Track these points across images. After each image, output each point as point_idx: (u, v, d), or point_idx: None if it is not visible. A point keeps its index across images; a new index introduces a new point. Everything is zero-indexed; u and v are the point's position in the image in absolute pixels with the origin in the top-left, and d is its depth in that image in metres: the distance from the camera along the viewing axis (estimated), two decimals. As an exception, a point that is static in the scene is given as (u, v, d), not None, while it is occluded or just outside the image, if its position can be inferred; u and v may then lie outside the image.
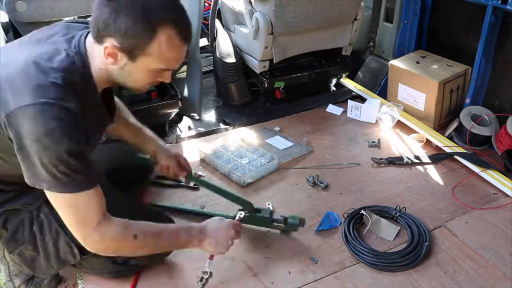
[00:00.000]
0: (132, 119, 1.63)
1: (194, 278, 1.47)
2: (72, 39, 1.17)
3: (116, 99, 1.51)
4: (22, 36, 2.07)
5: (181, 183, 1.91)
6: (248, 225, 1.65)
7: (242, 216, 1.54)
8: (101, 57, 1.13)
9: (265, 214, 1.63)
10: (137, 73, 1.16)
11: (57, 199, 1.12)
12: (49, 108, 1.03)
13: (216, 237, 1.37)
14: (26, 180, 1.10)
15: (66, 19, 1.39)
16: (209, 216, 1.52)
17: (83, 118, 1.09)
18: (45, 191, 1.11)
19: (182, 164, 1.67)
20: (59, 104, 1.05)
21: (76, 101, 1.08)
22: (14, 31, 2.18)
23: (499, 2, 2.04)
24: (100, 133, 1.33)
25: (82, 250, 1.32)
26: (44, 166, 1.05)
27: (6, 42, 2.16)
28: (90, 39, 1.16)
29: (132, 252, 1.28)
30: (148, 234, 1.26)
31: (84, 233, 1.17)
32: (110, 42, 1.09)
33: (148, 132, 1.64)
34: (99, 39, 1.11)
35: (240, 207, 1.62)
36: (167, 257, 1.52)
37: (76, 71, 1.13)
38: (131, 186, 1.74)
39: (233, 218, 1.54)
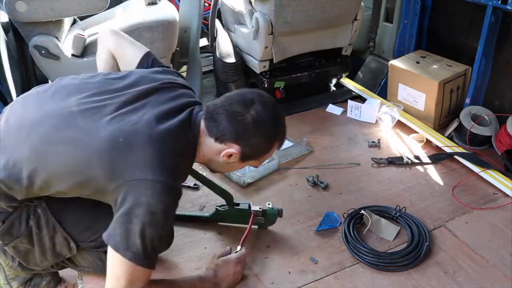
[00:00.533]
0: None
1: (194, 278, 1.48)
2: (189, 116, 1.27)
3: None
4: (22, 36, 2.10)
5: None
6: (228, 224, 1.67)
7: (240, 250, 1.49)
8: (213, 151, 1.28)
9: (243, 206, 1.63)
10: (236, 167, 1.38)
11: (121, 262, 1.13)
12: (172, 191, 1.15)
13: (228, 281, 1.41)
14: (106, 238, 1.13)
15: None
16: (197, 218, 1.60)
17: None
18: (118, 257, 1.12)
19: None
20: (178, 189, 1.19)
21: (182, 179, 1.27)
22: (14, 31, 2.18)
23: (499, 2, 2.04)
24: None
25: (79, 244, 1.34)
26: (142, 237, 1.10)
27: (6, 42, 2.17)
28: (202, 131, 1.27)
29: None
30: None
31: None
32: (235, 148, 1.25)
33: None
34: (221, 140, 1.25)
35: (218, 205, 1.66)
36: (166, 258, 1.52)
37: (190, 151, 1.28)
38: None
39: (210, 216, 1.65)
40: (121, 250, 1.11)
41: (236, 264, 1.43)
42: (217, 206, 1.66)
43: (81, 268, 1.46)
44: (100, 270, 1.44)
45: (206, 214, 1.69)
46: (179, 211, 1.32)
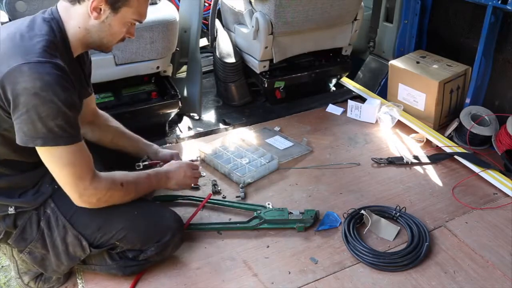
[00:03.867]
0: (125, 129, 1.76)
1: (194, 278, 1.48)
2: (43, 12, 1.28)
3: (102, 112, 1.71)
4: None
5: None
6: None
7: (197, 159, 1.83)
8: (82, 15, 1.26)
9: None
10: (115, 26, 1.30)
11: (53, 155, 1.19)
12: (42, 65, 1.14)
13: (178, 178, 1.58)
14: (18, 141, 1.16)
15: None
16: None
17: (70, 74, 1.21)
18: (39, 150, 1.18)
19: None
20: (49, 61, 1.15)
21: (61, 59, 1.20)
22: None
23: (499, 2, 2.04)
24: (80, 99, 1.37)
25: (91, 244, 1.36)
26: (41, 120, 1.13)
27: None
28: (63, 4, 1.27)
29: (120, 199, 1.37)
30: (130, 182, 1.40)
31: (80, 187, 1.25)
32: None
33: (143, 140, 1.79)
34: None
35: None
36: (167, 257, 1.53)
37: (55, 33, 1.24)
38: None
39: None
40: (31, 142, 1.15)
41: (188, 167, 1.61)
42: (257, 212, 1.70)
43: (88, 266, 1.47)
44: (106, 270, 1.46)
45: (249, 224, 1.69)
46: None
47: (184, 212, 1.73)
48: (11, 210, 1.31)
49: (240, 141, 2.20)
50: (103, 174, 1.32)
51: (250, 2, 2.38)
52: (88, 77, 1.54)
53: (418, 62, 2.43)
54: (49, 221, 1.33)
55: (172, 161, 1.66)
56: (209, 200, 1.77)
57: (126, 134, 1.74)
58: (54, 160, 1.21)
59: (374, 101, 2.47)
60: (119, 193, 1.35)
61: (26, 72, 1.11)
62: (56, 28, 1.25)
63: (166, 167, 1.59)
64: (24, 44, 1.17)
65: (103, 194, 1.30)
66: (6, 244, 1.41)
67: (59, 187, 1.28)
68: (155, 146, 1.80)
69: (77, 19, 1.27)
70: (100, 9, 1.24)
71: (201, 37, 2.66)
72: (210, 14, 2.62)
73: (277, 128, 2.36)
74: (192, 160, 1.81)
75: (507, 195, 1.84)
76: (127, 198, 1.39)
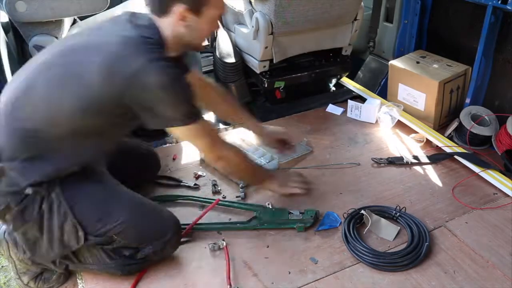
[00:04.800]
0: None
1: (195, 278, 1.48)
2: (140, 18, 1.38)
3: (210, 80, 1.93)
4: (22, 36, 2.10)
5: (182, 183, 1.91)
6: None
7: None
8: (172, 25, 1.36)
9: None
10: (203, 25, 1.40)
11: (190, 131, 1.40)
12: (160, 63, 1.27)
13: (281, 181, 1.76)
14: (154, 126, 1.38)
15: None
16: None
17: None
18: (174, 131, 1.41)
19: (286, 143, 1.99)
20: (167, 64, 1.29)
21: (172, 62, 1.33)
22: (14, 31, 2.18)
23: (499, 2, 2.04)
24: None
25: (87, 234, 1.36)
26: (174, 107, 1.32)
27: (6, 42, 2.17)
28: (153, 18, 1.37)
29: (233, 169, 1.61)
30: (244, 158, 1.61)
31: (213, 150, 1.49)
32: (178, 8, 1.32)
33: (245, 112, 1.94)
34: (166, 12, 1.34)
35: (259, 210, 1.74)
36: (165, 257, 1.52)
37: (158, 37, 1.36)
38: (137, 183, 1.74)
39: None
40: (170, 123, 1.37)
41: (293, 174, 1.82)
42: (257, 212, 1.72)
43: (86, 266, 1.47)
44: (105, 269, 1.45)
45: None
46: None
47: (184, 212, 1.74)
48: (28, 191, 1.31)
49: (240, 141, 2.20)
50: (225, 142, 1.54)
51: (250, 2, 2.38)
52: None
53: (418, 62, 2.43)
54: (52, 205, 1.33)
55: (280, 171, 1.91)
56: (209, 200, 1.77)
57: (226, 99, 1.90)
58: (191, 135, 1.43)
59: (374, 101, 2.47)
60: (235, 160, 1.56)
61: (151, 69, 1.25)
62: (155, 36, 1.35)
63: (279, 172, 1.82)
64: (139, 47, 1.29)
65: (226, 155, 1.52)
66: (2, 220, 1.39)
67: (71, 175, 1.35)
68: (259, 125, 1.97)
69: (169, 29, 1.36)
70: (185, 17, 1.34)
71: (201, 37, 2.66)
72: (210, 14, 2.61)
73: (277, 128, 2.36)
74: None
75: (507, 195, 1.84)
76: (236, 171, 1.64)
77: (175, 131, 1.41)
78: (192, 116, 1.36)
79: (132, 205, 1.45)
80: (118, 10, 2.43)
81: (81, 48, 1.33)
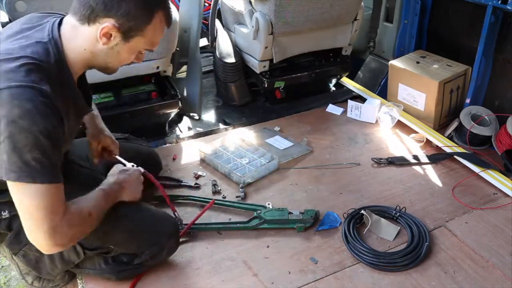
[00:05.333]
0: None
1: (194, 279, 1.48)
2: (43, 28, 1.18)
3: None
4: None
5: (182, 183, 1.91)
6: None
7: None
8: (89, 38, 1.16)
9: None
10: (124, 53, 1.22)
11: (25, 191, 1.06)
12: (23, 90, 1.04)
13: (130, 188, 1.39)
14: None
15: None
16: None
17: (58, 101, 1.09)
18: (10, 184, 1.06)
19: (109, 147, 1.59)
20: (33, 86, 1.05)
21: (50, 85, 1.08)
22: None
23: (499, 2, 2.04)
24: (77, 122, 1.33)
25: (85, 248, 1.34)
26: (17, 151, 1.02)
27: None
28: (70, 20, 1.17)
29: (90, 229, 1.24)
30: (94, 207, 1.24)
31: (53, 226, 1.10)
32: (108, 23, 1.13)
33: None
34: (92, 19, 1.14)
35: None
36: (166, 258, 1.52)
37: (50, 56, 1.13)
38: None
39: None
40: (4, 174, 1.04)
41: (137, 176, 1.43)
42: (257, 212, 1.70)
43: (82, 270, 1.46)
44: (100, 273, 1.45)
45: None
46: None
47: (184, 212, 1.74)
48: (5, 214, 1.29)
49: (240, 141, 2.20)
50: (70, 205, 1.16)
51: (250, 2, 2.38)
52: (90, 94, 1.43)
53: (418, 62, 2.43)
54: None
55: (119, 167, 1.45)
56: (209, 200, 1.77)
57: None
58: (24, 197, 1.07)
59: (374, 101, 2.47)
60: (88, 223, 1.22)
61: (5, 98, 1.02)
62: (52, 50, 1.15)
63: (117, 176, 1.40)
64: (9, 64, 1.07)
65: (76, 230, 1.17)
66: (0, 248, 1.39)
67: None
68: (98, 119, 1.58)
69: (83, 40, 1.17)
70: (111, 35, 1.15)
71: (201, 37, 2.66)
72: (210, 14, 2.62)
73: (277, 128, 2.36)
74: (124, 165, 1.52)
75: (507, 195, 1.84)
76: (95, 225, 1.25)
77: (10, 187, 1.08)
78: (36, 170, 1.04)
79: (129, 222, 1.39)
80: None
81: None
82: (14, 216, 1.29)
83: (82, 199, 1.24)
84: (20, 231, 1.29)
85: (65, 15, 1.23)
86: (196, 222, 1.66)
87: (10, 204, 1.25)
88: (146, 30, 1.18)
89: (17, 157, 1.03)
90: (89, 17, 1.14)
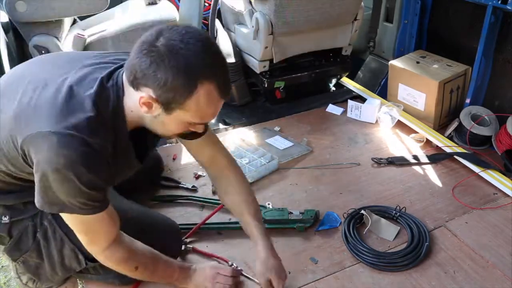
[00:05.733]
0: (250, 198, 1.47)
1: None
2: (111, 71, 1.14)
3: (222, 156, 1.46)
4: (22, 36, 2.10)
5: (180, 184, 1.91)
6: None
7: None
8: (133, 101, 1.09)
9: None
10: (170, 124, 1.12)
11: (68, 219, 1.13)
12: (72, 140, 1.01)
13: (197, 284, 1.37)
14: (36, 203, 1.09)
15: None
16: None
17: (106, 155, 1.08)
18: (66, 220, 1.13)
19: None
20: (82, 137, 1.02)
21: (101, 136, 1.07)
22: (14, 31, 2.18)
23: (499, 2, 2.04)
24: (125, 174, 1.29)
25: (88, 257, 1.31)
26: (59, 195, 1.05)
27: (6, 42, 2.17)
28: (126, 79, 1.11)
29: (128, 274, 1.28)
30: (148, 269, 1.27)
31: (91, 251, 1.21)
32: (146, 92, 1.04)
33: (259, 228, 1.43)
34: (135, 85, 1.06)
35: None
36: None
37: (109, 103, 1.10)
38: (141, 187, 1.71)
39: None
40: (47, 207, 1.08)
41: (218, 275, 1.37)
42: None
43: (85, 276, 1.44)
44: (103, 279, 1.42)
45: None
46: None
47: (184, 212, 1.74)
48: (5, 220, 1.27)
49: (240, 141, 2.20)
50: (124, 245, 1.21)
51: (250, 2, 2.38)
52: (152, 143, 1.38)
53: (418, 62, 2.43)
54: (46, 232, 1.29)
55: (207, 266, 1.41)
56: (209, 200, 1.77)
57: (244, 203, 1.44)
58: (68, 223, 1.14)
59: (374, 101, 2.47)
60: (128, 273, 1.26)
61: (54, 144, 1.00)
62: (113, 96, 1.11)
63: (195, 269, 1.39)
64: (66, 107, 1.04)
65: (112, 265, 1.23)
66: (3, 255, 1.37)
67: None
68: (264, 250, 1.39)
69: (131, 101, 1.11)
70: (151, 105, 1.06)
71: (201, 37, 2.66)
72: (210, 14, 2.61)
73: (277, 128, 2.36)
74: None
75: (507, 195, 1.84)
76: (136, 277, 1.30)
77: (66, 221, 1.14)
78: (80, 208, 1.08)
79: (132, 229, 1.33)
80: (118, 10, 2.43)
81: (27, 82, 1.12)
82: (15, 222, 1.28)
83: (145, 252, 1.27)
84: (20, 238, 1.29)
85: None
86: (196, 222, 1.66)
87: (12, 209, 1.26)
88: (186, 104, 1.05)
89: (60, 198, 1.06)
90: (133, 82, 1.06)
